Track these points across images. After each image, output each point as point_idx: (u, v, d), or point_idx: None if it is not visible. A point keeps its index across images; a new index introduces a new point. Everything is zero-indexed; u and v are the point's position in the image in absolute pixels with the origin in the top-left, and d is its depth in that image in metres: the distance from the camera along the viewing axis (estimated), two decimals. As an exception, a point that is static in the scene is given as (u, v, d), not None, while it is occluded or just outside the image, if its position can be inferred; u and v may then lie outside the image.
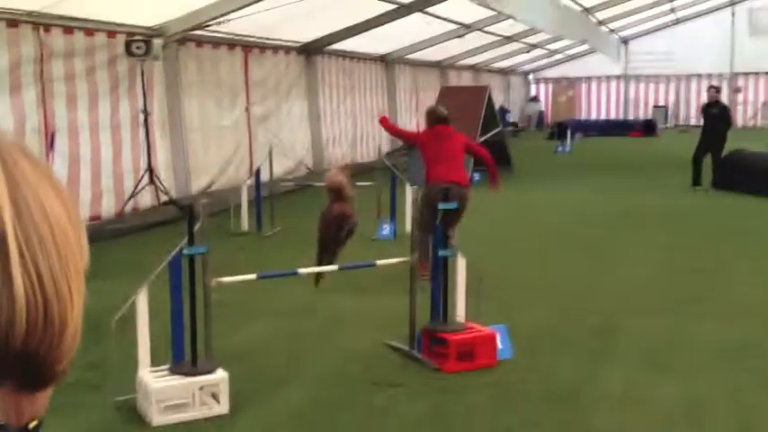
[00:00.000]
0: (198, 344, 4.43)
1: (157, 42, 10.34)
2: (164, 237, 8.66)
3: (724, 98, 32.82)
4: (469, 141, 7.91)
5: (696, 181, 13.85)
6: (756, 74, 32.38)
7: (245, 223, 9.97)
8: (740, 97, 32.74)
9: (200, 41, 12.35)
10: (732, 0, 31.41)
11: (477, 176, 15.01)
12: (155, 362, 4.39)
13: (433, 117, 7.46)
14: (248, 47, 13.79)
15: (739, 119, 32.62)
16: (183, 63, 11.93)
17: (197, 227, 4.39)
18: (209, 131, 12.74)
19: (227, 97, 13.18)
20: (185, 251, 4.34)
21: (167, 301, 4.35)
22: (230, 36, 12.84)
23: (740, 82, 32.72)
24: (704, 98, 33.50)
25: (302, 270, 4.89)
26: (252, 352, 5.29)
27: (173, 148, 11.69)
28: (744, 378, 4.73)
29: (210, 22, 11.26)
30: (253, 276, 4.78)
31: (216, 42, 12.78)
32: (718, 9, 32.00)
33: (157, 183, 10.74)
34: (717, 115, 14.08)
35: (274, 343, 5.50)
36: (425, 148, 7.38)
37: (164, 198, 10.81)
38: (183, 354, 4.42)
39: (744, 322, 5.91)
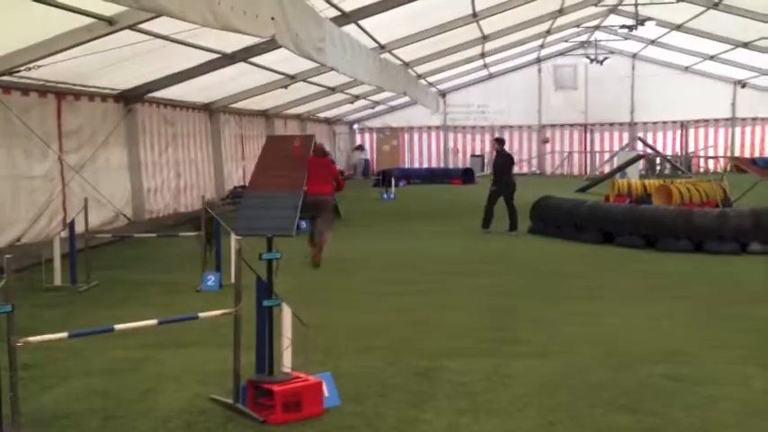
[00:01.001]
0: (3, 409, 4.11)
1: (-41, 87, 9.69)
2: (-35, 295, 8.01)
3: (534, 148, 35.25)
4: (335, 172, 12.12)
5: (485, 224, 14.79)
6: (561, 125, 34.90)
7: (58, 278, 9.42)
8: (548, 147, 35.11)
9: (7, 88, 11.68)
10: (538, 57, 33.81)
11: (303, 224, 15.11)
12: (-49, 433, 4.02)
13: (318, 151, 12.18)
14: (62, 94, 13.20)
15: (548, 167, 34.99)
16: (-11, 110, 11.25)
17: (0, 284, 4.11)
18: (18, 182, 12.01)
19: (38, 146, 12.50)
20: (-14, 311, 4.04)
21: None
22: (41, 82, 12.25)
23: (548, 133, 35.11)
24: (516, 147, 35.71)
25: (119, 326, 4.66)
26: (64, 415, 4.96)
27: (-24, 200, 10.93)
28: (557, 414, 4.98)
29: (20, 68, 10.69)
30: (64, 335, 4.50)
31: (25, 89, 12.14)
32: (526, 65, 34.35)
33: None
34: (502, 164, 15.06)
35: (89, 404, 5.19)
36: (310, 170, 11.86)
37: (-34, 253, 10.02)
38: (-16, 422, 4.09)
39: (556, 360, 6.25)
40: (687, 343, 6.73)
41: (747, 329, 7.21)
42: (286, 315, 5.16)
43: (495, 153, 15.60)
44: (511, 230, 14.52)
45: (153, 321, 4.87)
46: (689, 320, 7.62)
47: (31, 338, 4.29)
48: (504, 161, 15.10)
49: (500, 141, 15.62)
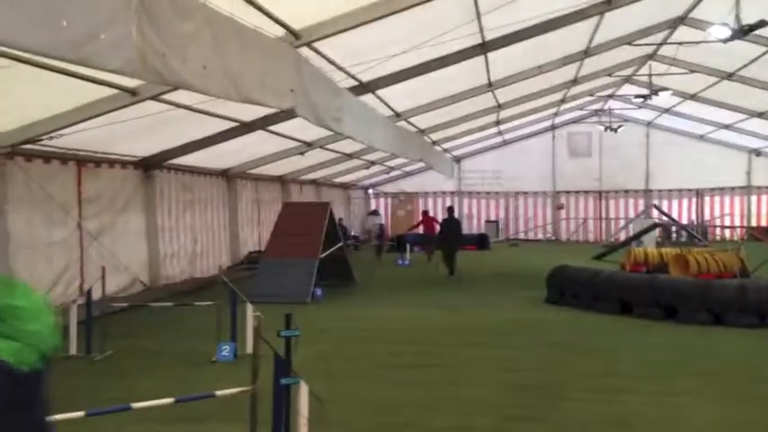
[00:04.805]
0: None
1: (-18, 156, 9.84)
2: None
3: (548, 214, 35.28)
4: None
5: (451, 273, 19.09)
6: (576, 192, 34.94)
7: (73, 347, 9.39)
8: (563, 213, 35.09)
9: (29, 156, 11.85)
10: (553, 125, 34.07)
11: (319, 292, 15.06)
12: None
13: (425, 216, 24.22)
14: (82, 161, 13.37)
15: (563, 234, 34.92)
16: (11, 177, 11.38)
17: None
18: (37, 248, 12.08)
19: (57, 212, 12.62)
20: None
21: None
22: (63, 150, 12.42)
23: (563, 199, 35.13)
24: (530, 213, 35.70)
25: (135, 405, 4.63)
26: (77, 495, 4.89)
27: (-5, 266, 10.97)
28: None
29: (42, 137, 10.86)
30: (81, 414, 4.47)
31: (47, 157, 12.31)
32: (540, 133, 34.60)
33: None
34: (451, 228, 19.73)
35: (103, 483, 5.12)
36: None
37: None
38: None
39: (576, 438, 6.13)
40: (710, 422, 6.60)
41: (771, 409, 7.07)
42: (303, 392, 5.10)
43: (444, 218, 20.62)
44: (451, 275, 18.88)
45: (170, 400, 4.83)
46: (711, 398, 7.47)
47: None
48: (450, 226, 19.79)
49: (450, 210, 21.08)
